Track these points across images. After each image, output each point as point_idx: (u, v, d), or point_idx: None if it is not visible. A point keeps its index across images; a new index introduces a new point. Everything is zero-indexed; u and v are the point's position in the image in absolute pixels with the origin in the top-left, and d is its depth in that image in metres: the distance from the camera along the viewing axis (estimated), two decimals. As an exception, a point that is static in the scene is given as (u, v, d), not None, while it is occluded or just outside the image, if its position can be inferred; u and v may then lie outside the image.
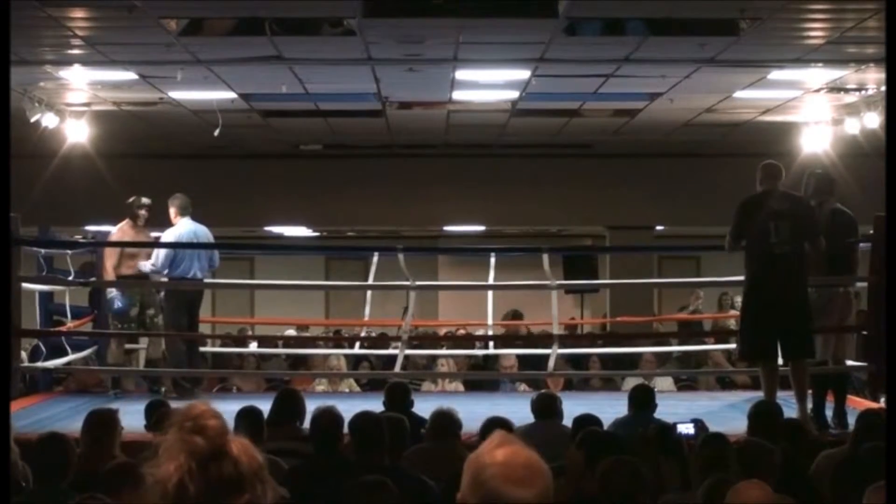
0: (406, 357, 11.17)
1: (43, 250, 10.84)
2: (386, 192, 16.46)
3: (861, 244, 9.20)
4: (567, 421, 7.20)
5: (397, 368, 10.62)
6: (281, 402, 6.97)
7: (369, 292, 12.51)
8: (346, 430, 5.92)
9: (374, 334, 14.06)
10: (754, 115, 13.61)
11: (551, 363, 10.56)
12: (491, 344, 12.64)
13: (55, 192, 14.47)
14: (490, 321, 12.29)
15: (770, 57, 10.47)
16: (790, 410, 8.14)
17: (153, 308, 10.81)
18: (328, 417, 5.94)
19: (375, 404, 7.42)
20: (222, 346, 13.33)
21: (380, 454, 5.72)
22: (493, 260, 11.72)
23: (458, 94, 12.20)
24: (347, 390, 11.95)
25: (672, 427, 6.40)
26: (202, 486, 2.31)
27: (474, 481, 2.30)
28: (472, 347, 13.29)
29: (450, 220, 17.78)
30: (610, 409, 8.06)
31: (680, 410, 8.51)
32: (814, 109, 13.18)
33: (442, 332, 15.16)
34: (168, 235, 10.67)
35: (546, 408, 7.49)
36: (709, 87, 11.78)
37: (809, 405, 8.53)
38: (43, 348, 10.74)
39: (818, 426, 8.42)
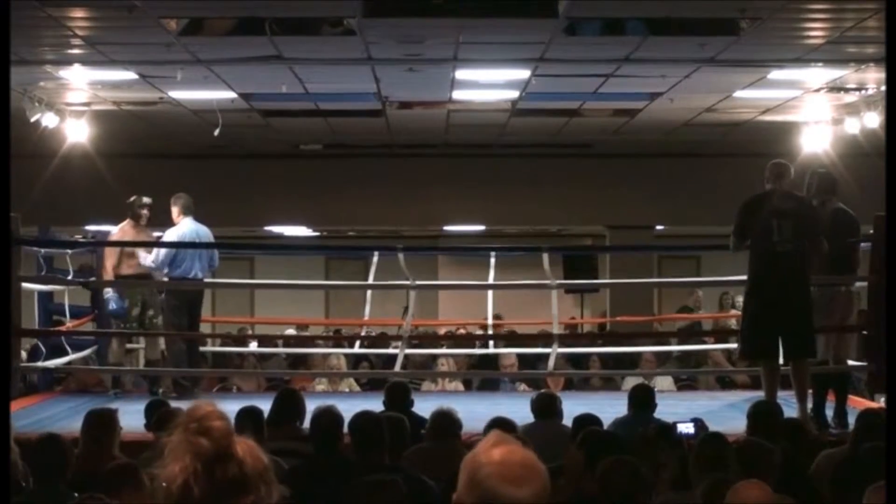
0: (406, 356, 11.17)
1: (43, 250, 10.84)
2: (386, 192, 16.46)
3: (861, 244, 9.20)
4: (567, 421, 7.20)
5: (397, 368, 10.62)
6: (281, 402, 6.97)
7: (369, 292, 12.52)
8: (346, 429, 5.92)
9: (374, 334, 14.06)
10: (754, 114, 13.61)
11: (551, 363, 10.56)
12: (491, 344, 12.65)
13: (55, 192, 14.46)
14: (490, 321, 12.30)
15: (770, 57, 10.46)
16: (790, 410, 8.14)
17: (153, 309, 10.81)
18: (328, 417, 5.94)
19: (375, 404, 7.42)
20: (222, 345, 13.33)
21: (380, 454, 5.72)
22: (492, 260, 11.73)
23: (458, 94, 12.20)
24: (347, 390, 11.95)
25: (672, 427, 6.40)
26: (207, 488, 2.32)
27: (470, 481, 2.30)
28: (473, 347, 13.29)
29: (450, 219, 17.78)
30: (610, 409, 8.06)
31: (680, 410, 8.51)
32: (814, 109, 13.18)
33: (442, 331, 15.17)
34: (170, 235, 10.68)
35: (546, 407, 7.49)
36: (709, 86, 11.78)
37: (809, 405, 8.53)
38: (43, 348, 10.74)
39: (818, 426, 8.42)
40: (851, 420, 7.82)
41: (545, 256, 10.80)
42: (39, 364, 10.50)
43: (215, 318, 16.06)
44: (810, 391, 8.54)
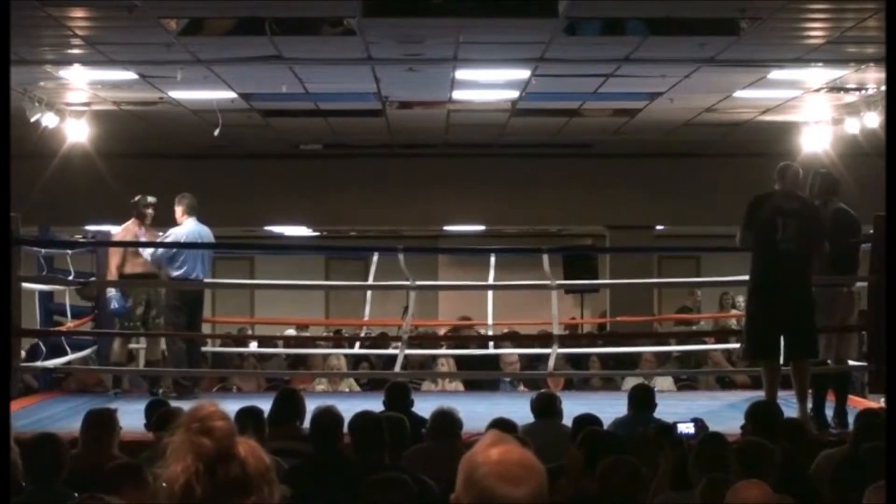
0: (406, 357, 11.17)
1: (43, 250, 10.84)
2: (386, 192, 16.46)
3: (862, 244, 9.20)
4: (567, 421, 7.20)
5: (397, 368, 10.62)
6: (281, 402, 6.96)
7: (369, 292, 12.52)
8: (346, 429, 5.92)
9: (374, 334, 14.06)
10: (754, 114, 13.60)
11: (551, 363, 10.56)
12: (491, 344, 12.65)
13: (55, 192, 14.46)
14: (490, 321, 12.29)
15: (770, 57, 10.46)
16: (790, 410, 8.14)
17: (157, 308, 10.82)
18: (328, 417, 5.94)
19: (375, 404, 7.42)
20: (222, 345, 13.33)
21: (380, 454, 5.72)
22: (493, 260, 11.73)
23: (458, 94, 12.20)
24: (347, 390, 11.95)
25: (672, 427, 6.40)
26: (209, 488, 2.32)
27: (468, 480, 2.29)
28: (473, 347, 13.28)
29: (450, 219, 17.78)
30: (610, 409, 8.06)
31: (680, 410, 8.51)
32: (814, 109, 13.18)
33: (442, 331, 15.17)
34: (172, 234, 10.70)
35: (546, 407, 7.49)
36: (709, 86, 11.78)
37: (809, 404, 8.53)
38: (43, 348, 10.75)
39: (818, 426, 8.42)
40: (852, 420, 7.82)
41: (545, 257, 10.80)
42: (39, 364, 10.50)
43: (215, 318, 16.06)
44: (810, 391, 8.54)
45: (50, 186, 14.13)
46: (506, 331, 13.63)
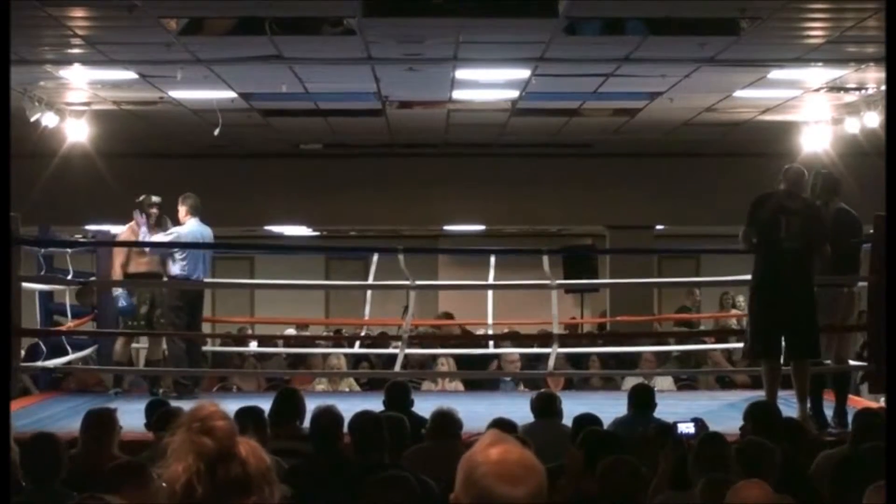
0: (406, 356, 11.17)
1: (43, 250, 10.84)
2: (386, 192, 16.45)
3: (863, 244, 9.21)
4: (567, 421, 7.20)
5: (397, 368, 10.61)
6: (281, 402, 6.96)
7: (369, 292, 12.52)
8: (346, 429, 5.92)
9: (374, 334, 14.06)
10: (754, 114, 13.60)
11: (551, 363, 10.56)
12: (491, 343, 12.65)
13: (55, 192, 14.46)
14: (490, 321, 12.29)
15: (770, 56, 10.46)
16: (790, 410, 8.14)
17: (161, 308, 10.83)
18: (328, 417, 5.94)
19: (375, 404, 7.43)
20: (222, 345, 13.33)
21: (380, 454, 5.72)
22: (493, 259, 11.73)
23: (458, 94, 12.20)
24: (347, 390, 11.95)
25: (672, 427, 6.40)
26: (210, 487, 2.32)
27: (467, 480, 2.29)
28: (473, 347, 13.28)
29: (450, 219, 17.78)
30: (610, 408, 8.06)
31: (680, 410, 8.51)
32: (814, 109, 13.18)
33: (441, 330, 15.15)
34: (173, 232, 10.72)
35: (546, 407, 7.49)
36: (709, 86, 11.77)
37: (809, 404, 8.53)
38: (43, 347, 10.75)
39: (818, 425, 8.42)
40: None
41: (545, 257, 10.79)
42: (39, 364, 10.50)
43: (215, 318, 16.06)
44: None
45: (50, 186, 14.12)
46: (506, 330, 13.62)
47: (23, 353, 10.61)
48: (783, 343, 8.29)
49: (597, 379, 12.68)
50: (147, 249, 10.72)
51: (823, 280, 8.57)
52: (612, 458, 5.03)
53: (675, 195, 16.40)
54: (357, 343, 12.96)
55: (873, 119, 12.28)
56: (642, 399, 7.83)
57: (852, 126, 12.93)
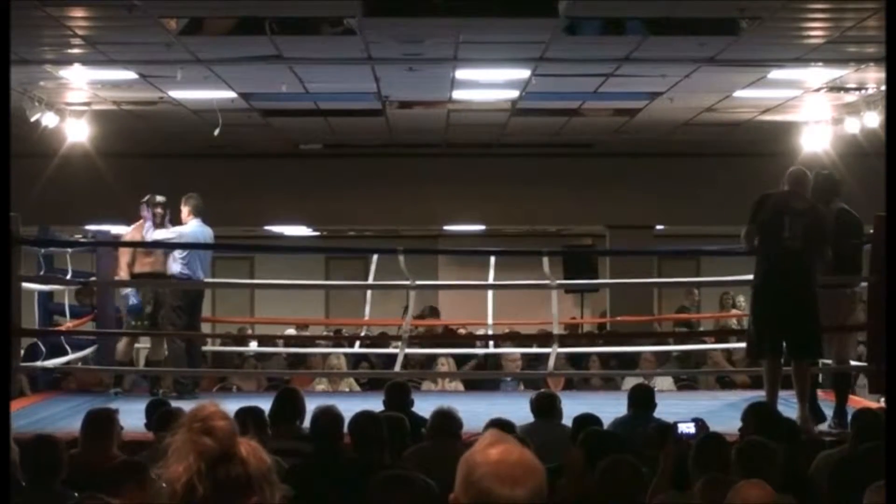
0: (406, 356, 11.17)
1: (43, 250, 10.84)
2: (386, 192, 16.45)
3: (864, 244, 9.20)
4: (567, 421, 7.20)
5: (397, 368, 10.61)
6: (281, 402, 6.97)
7: (369, 292, 12.52)
8: (346, 429, 5.92)
9: (374, 334, 14.05)
10: (754, 114, 13.60)
11: (551, 363, 10.56)
12: (491, 344, 12.65)
13: (55, 192, 14.46)
14: (490, 321, 12.29)
15: (770, 56, 10.46)
16: (791, 410, 8.14)
17: (165, 308, 10.83)
18: (328, 417, 5.95)
19: (375, 404, 7.43)
20: (222, 345, 13.33)
21: (380, 454, 5.72)
22: (493, 259, 11.72)
23: (458, 94, 12.20)
24: (347, 390, 11.95)
25: (672, 427, 6.40)
26: (211, 487, 2.32)
27: (466, 480, 2.29)
28: (473, 347, 13.28)
29: (450, 219, 17.78)
30: (610, 408, 8.06)
31: (680, 410, 8.50)
32: (814, 109, 13.18)
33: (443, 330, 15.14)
34: (172, 232, 10.72)
35: (546, 407, 7.49)
36: (709, 86, 11.78)
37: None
38: (43, 348, 10.74)
39: (815, 419, 8.42)
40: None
41: (545, 259, 10.79)
42: (39, 364, 10.50)
43: (215, 318, 16.06)
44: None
45: (50, 186, 14.13)
46: (507, 331, 13.62)
47: (21, 353, 10.61)
48: (784, 343, 8.28)
49: (597, 379, 12.68)
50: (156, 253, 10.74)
51: (824, 281, 8.57)
52: (612, 458, 5.03)
53: (675, 195, 16.40)
54: (357, 343, 12.96)
55: (873, 119, 12.27)
56: (642, 399, 7.83)
57: (852, 126, 12.93)
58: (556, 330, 10.85)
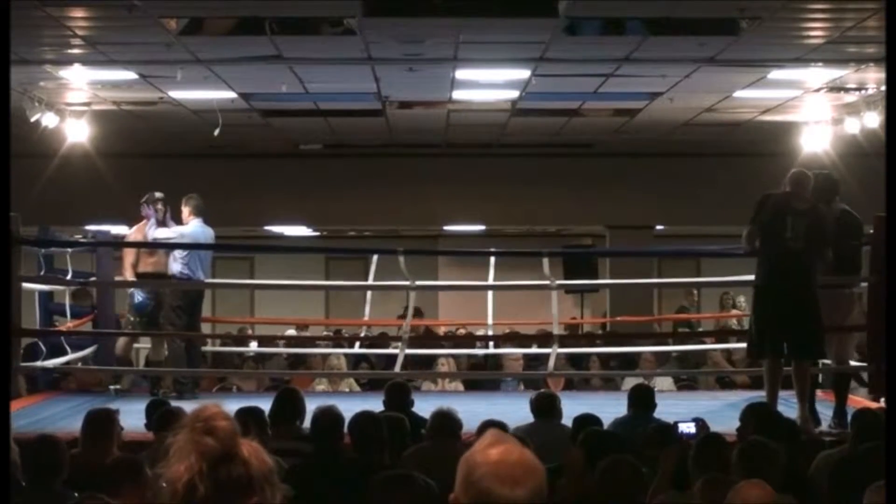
0: (406, 356, 11.17)
1: (43, 250, 10.84)
2: (386, 192, 16.45)
3: (864, 245, 9.20)
4: (567, 421, 7.20)
5: (397, 368, 10.61)
6: (281, 402, 6.97)
7: (369, 292, 12.52)
8: (346, 429, 5.92)
9: (374, 334, 14.06)
10: (754, 114, 13.60)
11: (551, 363, 10.56)
12: (491, 344, 12.64)
13: (55, 192, 14.47)
14: (490, 321, 12.29)
15: (770, 56, 10.46)
16: (790, 410, 8.14)
17: (165, 308, 10.83)
18: (328, 417, 5.95)
19: (375, 404, 7.43)
20: (222, 345, 13.33)
21: (380, 454, 5.72)
22: (493, 259, 11.72)
23: (458, 94, 12.20)
24: (347, 390, 11.95)
25: (672, 427, 6.40)
26: (212, 487, 2.32)
27: (466, 481, 2.29)
28: (473, 347, 13.28)
29: (450, 219, 17.78)
30: (610, 408, 8.06)
31: (680, 410, 8.51)
32: (814, 109, 13.18)
33: (442, 331, 15.16)
34: (173, 232, 10.72)
35: (546, 407, 7.49)
36: (709, 86, 11.78)
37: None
38: (43, 348, 10.74)
39: (814, 422, 8.42)
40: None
41: (545, 259, 10.79)
42: (39, 364, 10.50)
43: (215, 318, 16.07)
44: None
45: (50, 186, 14.13)
46: (507, 331, 13.63)
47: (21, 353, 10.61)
48: (786, 343, 8.27)
49: (597, 379, 12.68)
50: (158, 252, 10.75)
51: (824, 281, 8.57)
52: (612, 458, 5.03)
53: (675, 195, 16.40)
54: (357, 343, 12.96)
55: (873, 119, 12.27)
56: (642, 399, 7.83)
57: (852, 126, 12.93)
58: (556, 330, 10.85)
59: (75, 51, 10.16)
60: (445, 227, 18.83)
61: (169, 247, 10.66)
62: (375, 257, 11.81)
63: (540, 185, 16.40)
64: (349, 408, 6.18)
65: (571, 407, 7.70)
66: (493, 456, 2.29)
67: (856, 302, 9.17)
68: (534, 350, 12.52)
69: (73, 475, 5.43)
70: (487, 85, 11.70)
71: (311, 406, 6.43)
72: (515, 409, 7.89)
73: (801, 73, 11.13)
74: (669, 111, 13.13)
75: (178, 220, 10.88)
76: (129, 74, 10.98)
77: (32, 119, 11.91)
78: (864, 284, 9.37)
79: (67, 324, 11.18)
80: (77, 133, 13.04)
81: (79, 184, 14.76)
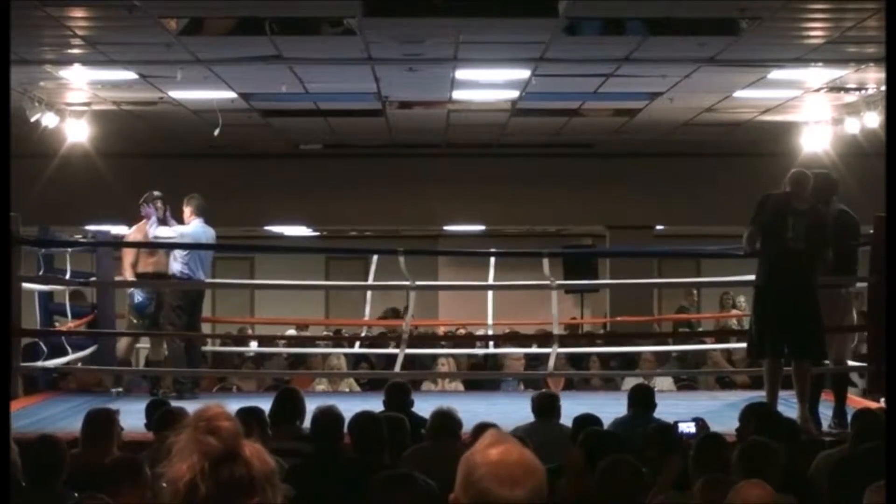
0: (406, 357, 11.17)
1: (43, 250, 10.84)
2: (386, 192, 16.46)
3: (862, 245, 9.20)
4: (567, 421, 7.20)
5: (397, 368, 10.61)
6: (281, 402, 6.96)
7: (369, 292, 12.52)
8: (346, 429, 5.92)
9: (374, 334, 14.06)
10: (754, 114, 13.61)
11: (551, 363, 10.56)
12: (491, 344, 12.65)
13: (55, 192, 14.47)
14: (490, 321, 12.29)
15: (770, 57, 10.46)
16: (790, 410, 8.14)
17: (165, 308, 10.83)
18: (328, 417, 5.95)
19: (375, 404, 7.43)
20: (222, 345, 13.33)
21: (380, 454, 5.72)
22: (493, 259, 11.72)
23: (458, 94, 12.20)
24: (347, 390, 11.94)
25: (672, 426, 6.40)
26: (213, 487, 2.32)
27: (466, 481, 2.29)
28: (473, 347, 13.28)
29: (450, 219, 17.78)
30: (610, 408, 8.06)
31: (680, 410, 8.51)
32: (814, 109, 13.18)
33: (442, 331, 15.16)
34: (173, 232, 10.72)
35: (546, 407, 7.49)
36: (709, 86, 11.78)
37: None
38: (43, 348, 10.74)
39: (816, 425, 8.42)
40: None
41: (545, 259, 10.79)
42: (39, 364, 10.49)
43: (215, 318, 16.07)
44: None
45: (50, 186, 14.13)
46: (507, 331, 13.63)
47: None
48: (786, 344, 8.27)
49: (597, 379, 12.68)
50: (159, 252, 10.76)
51: (823, 281, 8.56)
52: (612, 458, 5.03)
53: (675, 195, 16.41)
54: (357, 343, 12.96)
55: (873, 119, 12.28)
56: (642, 399, 7.83)
57: (852, 126, 12.94)
58: (556, 330, 10.85)
59: (75, 51, 10.16)
60: (445, 228, 18.83)
61: (168, 247, 10.66)
62: (375, 257, 11.81)
63: (540, 185, 16.40)
64: (349, 408, 6.18)
65: (571, 407, 7.70)
66: (493, 456, 2.29)
67: (853, 302, 9.16)
68: (534, 350, 12.52)
69: (73, 475, 5.43)
70: (487, 85, 11.70)
71: (311, 406, 6.43)
72: (515, 409, 7.89)
73: (801, 73, 11.13)
74: (669, 111, 13.14)
75: (179, 219, 10.88)
76: (129, 74, 10.99)
77: (32, 119, 11.92)
78: (861, 285, 9.37)
79: (68, 324, 11.18)
80: (77, 133, 13.04)
81: (79, 184, 14.76)
